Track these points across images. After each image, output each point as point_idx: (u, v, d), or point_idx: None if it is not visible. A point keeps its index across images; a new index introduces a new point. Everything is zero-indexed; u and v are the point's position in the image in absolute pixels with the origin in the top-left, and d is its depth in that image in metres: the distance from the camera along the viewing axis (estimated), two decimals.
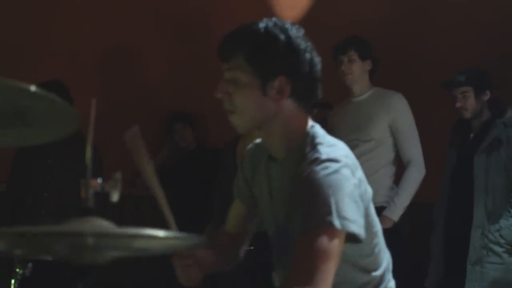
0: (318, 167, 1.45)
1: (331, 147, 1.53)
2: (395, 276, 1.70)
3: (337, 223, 1.39)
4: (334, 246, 1.39)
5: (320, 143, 1.53)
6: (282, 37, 1.54)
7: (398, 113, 3.20)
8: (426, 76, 3.88)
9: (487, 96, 3.16)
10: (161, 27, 4.20)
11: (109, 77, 4.20)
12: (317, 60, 1.59)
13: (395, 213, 3.13)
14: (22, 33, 3.96)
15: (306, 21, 4.22)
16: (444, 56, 3.97)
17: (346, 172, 1.46)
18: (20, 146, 1.20)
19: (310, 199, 1.43)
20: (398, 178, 3.22)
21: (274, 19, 1.58)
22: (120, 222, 1.13)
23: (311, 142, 1.55)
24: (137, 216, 3.96)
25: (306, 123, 1.59)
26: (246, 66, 1.55)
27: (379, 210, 3.07)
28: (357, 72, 3.26)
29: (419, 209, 3.27)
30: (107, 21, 4.12)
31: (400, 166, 3.25)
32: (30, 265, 2.18)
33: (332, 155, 1.48)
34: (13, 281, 2.12)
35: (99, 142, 2.82)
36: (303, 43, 1.56)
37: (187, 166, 3.93)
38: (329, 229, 1.38)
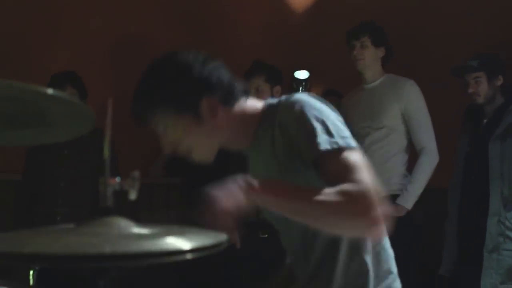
0: (293, 106, 1.51)
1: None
2: (410, 263, 1.71)
3: (342, 142, 1.44)
4: (356, 158, 1.43)
5: (278, 100, 1.60)
6: (178, 71, 1.58)
7: (411, 100, 3.18)
8: (438, 62, 3.85)
9: (500, 81, 3.14)
10: (172, 18, 4.19)
11: (120, 68, 4.19)
12: (215, 63, 1.60)
13: (409, 201, 3.12)
14: (33, 24, 3.97)
15: (317, 9, 4.20)
16: (455, 42, 3.94)
17: (312, 99, 1.53)
18: (38, 144, 1.21)
19: (308, 133, 1.46)
20: (411, 165, 3.21)
21: (158, 60, 1.66)
22: (133, 211, 1.14)
23: (269, 107, 1.61)
24: (150, 205, 3.98)
25: (250, 105, 1.64)
26: (167, 116, 1.59)
27: (393, 198, 3.08)
28: (369, 58, 3.24)
29: (433, 195, 3.26)
30: (118, 12, 4.11)
31: (413, 153, 3.24)
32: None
33: (295, 96, 1.55)
34: (31, 272, 2.14)
35: (111, 131, 2.82)
36: (198, 61, 1.58)
37: None
38: (340, 151, 1.43)
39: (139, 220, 1.15)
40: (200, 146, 1.63)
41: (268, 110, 1.62)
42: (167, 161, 4.00)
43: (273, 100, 1.64)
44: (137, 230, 1.08)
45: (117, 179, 1.17)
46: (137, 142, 4.01)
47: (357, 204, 1.37)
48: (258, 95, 3.24)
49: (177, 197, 4.03)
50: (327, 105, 1.55)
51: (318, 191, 1.39)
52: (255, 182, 1.44)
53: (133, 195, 1.19)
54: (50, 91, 1.03)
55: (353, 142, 1.47)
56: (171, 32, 4.18)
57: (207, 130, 1.59)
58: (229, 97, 1.61)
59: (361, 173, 1.40)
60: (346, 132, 1.49)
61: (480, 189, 3.05)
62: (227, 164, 3.44)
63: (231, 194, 1.50)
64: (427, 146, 3.15)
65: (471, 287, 3.02)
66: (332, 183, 1.40)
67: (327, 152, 1.44)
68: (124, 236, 1.03)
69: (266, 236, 3.15)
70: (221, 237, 1.11)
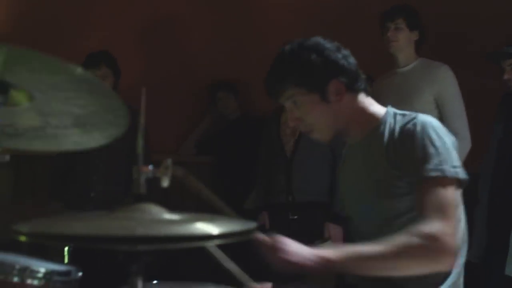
0: (415, 125, 1.65)
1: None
2: None
3: (451, 171, 1.59)
4: (454, 194, 1.60)
5: (403, 114, 1.74)
6: (312, 51, 1.72)
7: (444, 85, 3.15)
8: (473, 47, 3.80)
9: None
10: None
11: (151, 47, 4.24)
12: (347, 52, 1.77)
13: None
14: (63, 6, 4.02)
15: None
16: (492, 27, 3.87)
17: (439, 125, 1.67)
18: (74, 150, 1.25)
19: (419, 152, 1.61)
20: None
21: (294, 41, 1.77)
22: (165, 191, 1.19)
23: (394, 115, 1.74)
24: (180, 185, 4.03)
25: (373, 103, 1.79)
26: (299, 91, 1.73)
27: None
28: (403, 40, 3.21)
29: None
30: None
31: None
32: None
33: (420, 115, 1.69)
34: (66, 249, 2.21)
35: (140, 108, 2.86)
36: (331, 46, 1.75)
37: (230, 134, 3.97)
38: (445, 179, 1.58)
39: (170, 201, 1.19)
40: (321, 126, 1.76)
41: (391, 116, 1.74)
42: (199, 140, 4.05)
43: (397, 110, 1.77)
44: (168, 216, 1.12)
45: (150, 167, 1.21)
46: (169, 121, 4.08)
47: (431, 253, 1.54)
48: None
49: (209, 176, 4.09)
50: (447, 132, 1.69)
51: (391, 246, 1.55)
52: (331, 255, 1.57)
53: (165, 183, 1.23)
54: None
55: (462, 173, 1.62)
56: (201, 11, 4.20)
57: (330, 111, 1.73)
58: (355, 86, 1.76)
59: (448, 212, 1.56)
60: (458, 162, 1.64)
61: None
62: (258, 144, 3.49)
63: (302, 258, 1.61)
64: (460, 132, 3.13)
65: (501, 274, 3.02)
66: (419, 211, 1.57)
67: (431, 178, 1.58)
68: (155, 221, 1.07)
69: (296, 217, 3.19)
70: (250, 224, 1.14)
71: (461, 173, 1.63)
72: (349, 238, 1.91)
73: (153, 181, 1.22)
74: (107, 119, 1.19)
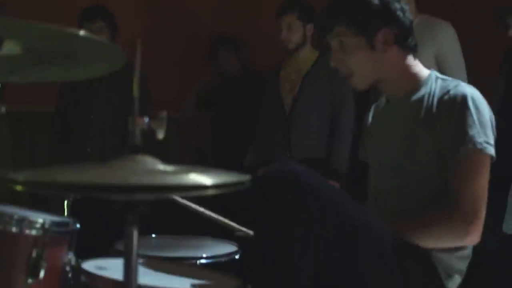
0: (456, 94, 1.66)
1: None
2: None
3: (487, 147, 1.62)
4: (486, 169, 1.64)
5: (444, 79, 1.76)
6: None
7: (444, 42, 3.11)
8: (475, 3, 3.75)
9: None
10: None
11: (151, 2, 4.20)
12: (406, 6, 1.77)
13: None
14: None
15: None
16: None
17: (479, 97, 1.68)
18: (69, 80, 1.26)
19: (456, 123, 1.63)
20: None
21: None
22: (164, 144, 1.19)
23: (435, 79, 1.75)
24: (180, 140, 4.05)
25: (418, 64, 1.81)
26: (349, 30, 1.73)
27: None
28: None
29: None
30: None
31: None
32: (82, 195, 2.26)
33: (462, 84, 1.71)
34: (65, 202, 2.23)
35: (143, 66, 2.85)
36: None
37: (231, 90, 3.96)
38: (480, 153, 1.62)
39: (169, 155, 1.20)
40: (361, 71, 1.77)
41: (433, 80, 1.76)
42: (199, 95, 4.04)
43: (441, 75, 1.80)
44: (163, 167, 1.13)
45: (145, 119, 1.21)
46: (169, 76, 4.07)
47: (456, 230, 1.61)
48: (290, 33, 3.23)
49: (209, 131, 4.10)
50: (486, 105, 1.71)
51: (423, 218, 1.64)
52: None
53: (160, 135, 1.23)
54: (82, 32, 1.07)
55: (492, 150, 1.66)
56: None
57: (374, 60, 1.75)
58: (405, 42, 1.77)
59: (478, 183, 1.62)
60: (492, 140, 1.67)
61: None
62: (258, 100, 3.49)
63: None
64: None
65: (498, 232, 3.04)
66: (452, 185, 1.62)
67: (469, 150, 1.62)
68: (149, 171, 1.08)
69: None
70: (244, 176, 1.15)
71: (493, 151, 1.65)
72: (362, 192, 1.93)
73: (151, 135, 1.23)
74: (99, 53, 1.18)
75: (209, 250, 2.10)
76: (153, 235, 2.36)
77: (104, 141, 3.33)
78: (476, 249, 1.79)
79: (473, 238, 1.64)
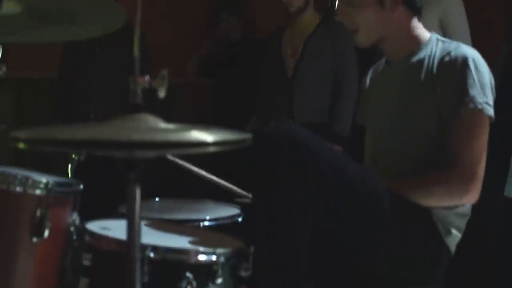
0: (457, 55, 1.68)
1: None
2: None
3: (486, 108, 1.64)
4: (486, 130, 1.66)
5: (444, 41, 1.77)
6: None
7: (449, 6, 3.09)
8: None
9: None
10: None
11: None
12: None
13: None
14: None
15: None
16: None
17: (479, 58, 1.70)
18: (68, 40, 1.26)
19: (456, 83, 1.65)
20: None
21: None
22: (166, 111, 1.19)
23: (436, 42, 1.76)
24: (182, 107, 4.05)
25: (421, 27, 1.82)
26: None
27: None
28: None
29: None
30: None
31: None
32: (84, 152, 2.28)
33: (462, 46, 1.72)
34: (69, 166, 2.24)
35: (146, 31, 2.84)
36: None
37: (233, 56, 3.94)
38: (481, 114, 1.64)
39: (171, 119, 1.20)
40: (367, 28, 1.79)
41: (434, 43, 1.77)
42: (201, 62, 4.03)
43: (441, 38, 1.81)
44: (164, 125, 1.13)
45: (146, 78, 1.21)
46: (172, 42, 4.05)
47: (455, 190, 1.64)
48: None
49: (210, 97, 4.09)
50: (487, 67, 1.72)
51: (423, 178, 1.66)
52: None
53: (162, 93, 1.23)
54: None
55: (491, 111, 1.67)
56: None
57: (381, 17, 1.77)
58: (413, 2, 1.79)
59: (477, 143, 1.63)
60: (491, 101, 1.68)
61: None
62: (259, 66, 3.47)
63: None
64: None
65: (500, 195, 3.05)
66: (453, 145, 1.64)
67: (469, 110, 1.63)
68: (151, 129, 1.09)
69: None
70: (245, 134, 1.15)
71: (492, 112, 1.67)
72: (360, 155, 1.94)
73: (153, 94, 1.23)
74: (99, 11, 1.18)
75: (212, 213, 2.12)
76: (156, 199, 2.38)
77: (107, 107, 3.34)
78: (479, 213, 1.81)
79: (472, 197, 1.66)
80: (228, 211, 2.16)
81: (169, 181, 2.92)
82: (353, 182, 1.57)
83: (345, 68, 3.17)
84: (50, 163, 2.74)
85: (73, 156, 2.25)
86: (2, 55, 2.02)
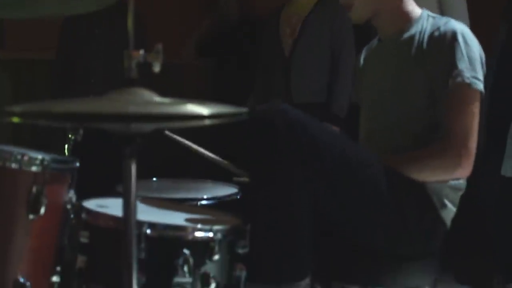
0: (446, 30, 1.70)
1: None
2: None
3: (475, 82, 1.65)
4: (476, 104, 1.67)
5: (434, 16, 1.78)
6: None
7: None
8: None
9: None
10: None
11: None
12: None
13: None
14: None
15: None
16: None
17: (469, 33, 1.71)
18: (64, 15, 1.25)
19: (446, 57, 1.66)
20: None
21: None
22: (166, 92, 1.19)
23: (427, 18, 1.77)
24: (181, 86, 4.03)
25: (413, 3, 1.83)
26: None
27: None
28: None
29: None
30: None
31: None
32: (81, 131, 2.28)
33: (452, 21, 1.74)
34: (66, 146, 2.24)
35: (143, 11, 2.81)
36: None
37: (231, 36, 3.92)
38: (469, 88, 1.65)
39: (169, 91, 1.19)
40: (361, 4, 1.80)
41: (425, 19, 1.78)
42: (199, 42, 4.01)
43: (432, 14, 1.82)
44: (160, 99, 1.13)
45: (141, 52, 1.20)
46: (168, 23, 4.02)
47: (448, 163, 1.65)
48: None
49: (208, 79, 4.07)
50: (477, 43, 1.73)
51: (415, 154, 1.67)
52: None
53: (156, 68, 1.22)
54: None
55: (481, 86, 1.67)
56: None
57: None
58: None
59: (467, 117, 1.64)
60: (481, 76, 1.68)
61: None
62: (257, 47, 3.46)
63: None
64: None
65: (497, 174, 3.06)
66: (444, 120, 1.65)
67: (457, 83, 1.64)
68: (147, 102, 1.08)
69: None
70: (241, 108, 1.15)
71: (482, 87, 1.67)
72: (354, 133, 1.94)
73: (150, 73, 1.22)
74: None
75: (210, 192, 2.12)
76: (154, 179, 2.38)
77: (107, 87, 3.31)
78: (475, 192, 1.82)
79: (465, 170, 1.68)
80: (226, 190, 2.16)
81: (168, 162, 2.92)
82: (350, 163, 1.58)
83: (342, 47, 3.16)
84: (47, 144, 2.74)
85: (70, 136, 2.24)
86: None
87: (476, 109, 1.68)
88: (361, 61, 1.97)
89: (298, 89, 3.17)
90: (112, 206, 1.61)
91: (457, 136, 1.64)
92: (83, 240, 1.55)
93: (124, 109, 0.98)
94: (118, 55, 3.52)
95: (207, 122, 1.03)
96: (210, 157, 2.05)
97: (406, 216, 1.64)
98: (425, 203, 1.68)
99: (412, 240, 1.66)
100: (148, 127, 1.10)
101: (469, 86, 1.65)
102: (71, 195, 1.56)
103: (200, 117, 1.02)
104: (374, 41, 1.94)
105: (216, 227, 1.52)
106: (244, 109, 1.14)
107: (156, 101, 1.10)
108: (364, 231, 1.65)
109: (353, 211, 1.61)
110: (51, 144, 2.70)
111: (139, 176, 1.17)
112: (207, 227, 1.51)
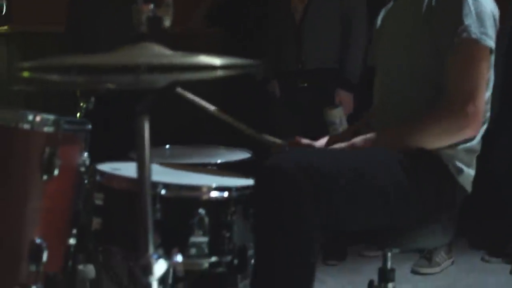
0: None
1: None
2: None
3: (483, 38, 1.57)
4: (484, 61, 1.59)
5: None
6: None
7: None
8: None
9: None
10: None
11: None
12: None
13: None
14: None
15: None
16: None
17: None
18: None
19: (455, 13, 1.59)
20: None
21: None
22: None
23: None
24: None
25: None
26: None
27: None
28: None
29: None
30: None
31: None
32: (92, 99, 2.27)
33: None
34: (78, 115, 2.23)
35: None
36: None
37: (239, 5, 3.87)
38: (477, 44, 1.57)
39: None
40: None
41: None
42: (207, 11, 3.97)
43: None
44: (171, 52, 1.11)
45: (151, 6, 1.18)
46: None
47: (453, 124, 1.58)
48: None
49: (218, 47, 4.04)
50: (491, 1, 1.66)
51: (418, 125, 1.59)
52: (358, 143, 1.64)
53: (167, 22, 1.20)
54: None
55: (491, 42, 1.60)
56: None
57: None
58: None
59: (474, 75, 1.57)
60: (491, 32, 1.60)
61: None
62: (267, 14, 3.42)
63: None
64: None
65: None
66: (451, 77, 1.58)
67: (463, 39, 1.57)
68: (158, 54, 1.07)
69: (306, 85, 3.18)
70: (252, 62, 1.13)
71: (492, 43, 1.60)
72: (369, 94, 1.91)
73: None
74: None
75: (223, 157, 2.11)
76: (167, 146, 2.37)
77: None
78: (490, 157, 1.77)
79: (472, 130, 1.61)
80: (239, 155, 2.15)
81: (180, 130, 2.91)
82: (362, 177, 1.51)
83: (354, 11, 3.12)
84: (59, 112, 2.73)
85: (82, 104, 2.24)
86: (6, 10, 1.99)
87: (484, 67, 1.60)
88: (379, 21, 1.93)
89: (310, 56, 3.14)
90: (126, 169, 1.61)
91: (462, 95, 1.57)
92: (98, 202, 1.55)
93: (134, 60, 0.97)
94: (128, 29, 3.50)
95: (219, 72, 1.02)
96: (221, 116, 2.01)
97: (426, 194, 1.58)
98: (442, 176, 1.63)
99: (432, 215, 1.62)
100: (159, 80, 1.08)
101: (476, 42, 1.57)
102: (85, 158, 1.55)
103: (212, 67, 1.01)
104: (392, 2, 1.90)
105: (231, 187, 1.51)
106: (256, 62, 1.12)
107: (167, 53, 1.08)
108: (383, 223, 1.61)
109: (372, 214, 1.57)
110: (63, 113, 2.70)
111: (152, 144, 1.16)
112: (223, 186, 1.51)
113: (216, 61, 1.02)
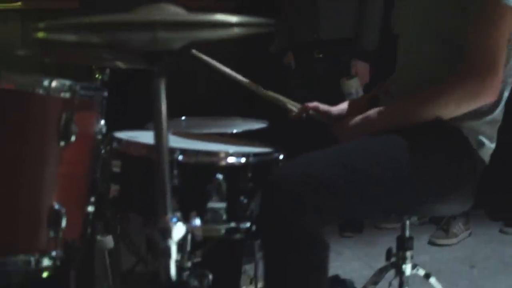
0: None
1: None
2: None
3: None
4: (504, 21, 1.53)
5: None
6: None
7: None
8: None
9: None
10: None
11: None
12: None
13: None
14: None
15: None
16: None
17: None
18: None
19: None
20: None
21: None
22: None
23: None
24: None
25: None
26: None
27: None
28: None
29: None
30: None
31: None
32: (107, 71, 2.27)
33: None
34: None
35: None
36: None
37: None
38: (498, 4, 1.51)
39: None
40: None
41: None
42: None
43: None
44: (187, 13, 1.09)
45: None
46: None
47: (471, 88, 1.53)
48: None
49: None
50: None
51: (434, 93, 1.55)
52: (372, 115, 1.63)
53: None
54: None
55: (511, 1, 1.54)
56: None
57: None
58: None
59: (493, 36, 1.51)
60: None
61: None
62: None
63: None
64: None
65: None
66: (467, 37, 1.54)
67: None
68: (174, 12, 1.05)
69: (321, 56, 3.15)
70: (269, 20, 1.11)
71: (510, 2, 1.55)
72: (386, 64, 1.88)
73: None
74: None
75: (239, 127, 2.10)
76: (183, 117, 2.37)
77: None
78: (509, 128, 1.72)
79: (490, 95, 1.56)
80: (256, 125, 2.14)
81: (196, 102, 2.90)
82: (356, 178, 1.49)
83: None
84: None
85: (97, 76, 2.23)
86: None
87: (504, 28, 1.54)
88: None
89: (326, 25, 3.10)
90: (144, 137, 1.60)
91: (480, 56, 1.52)
92: (115, 169, 1.55)
93: (151, 17, 0.96)
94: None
95: (236, 30, 1.00)
96: (238, 78, 1.97)
97: (443, 172, 1.55)
98: (461, 151, 1.60)
99: (450, 189, 1.59)
100: (175, 40, 1.07)
101: (497, 1, 1.53)
102: (101, 125, 1.55)
103: (229, 24, 0.99)
104: None
105: (248, 153, 1.50)
106: (272, 20, 1.10)
107: (183, 12, 1.07)
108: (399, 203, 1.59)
109: (381, 203, 1.55)
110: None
111: (168, 116, 1.15)
112: (240, 152, 1.50)
113: (232, 18, 1.00)
